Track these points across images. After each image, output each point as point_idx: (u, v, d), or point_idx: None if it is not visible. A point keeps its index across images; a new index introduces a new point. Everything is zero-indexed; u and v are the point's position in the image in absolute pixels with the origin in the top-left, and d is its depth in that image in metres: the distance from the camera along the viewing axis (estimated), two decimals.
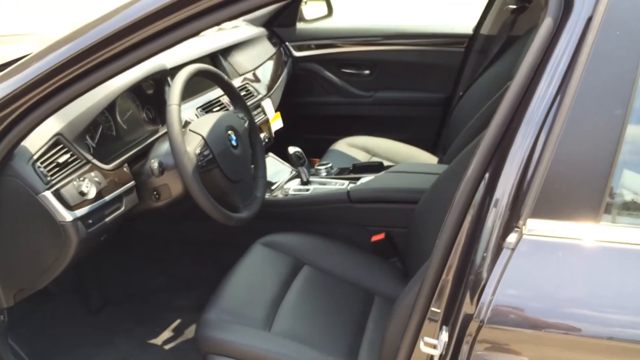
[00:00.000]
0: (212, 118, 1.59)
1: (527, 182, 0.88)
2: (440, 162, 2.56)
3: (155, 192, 1.56)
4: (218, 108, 1.98)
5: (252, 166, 1.76)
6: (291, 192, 2.03)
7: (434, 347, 0.97)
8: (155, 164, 1.48)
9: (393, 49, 2.79)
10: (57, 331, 1.99)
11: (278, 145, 2.43)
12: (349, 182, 2.04)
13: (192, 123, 1.56)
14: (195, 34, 1.07)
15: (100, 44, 1.08)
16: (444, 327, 0.98)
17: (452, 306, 0.97)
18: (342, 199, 1.92)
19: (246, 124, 1.73)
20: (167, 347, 1.91)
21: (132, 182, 1.54)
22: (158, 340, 1.94)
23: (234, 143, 1.60)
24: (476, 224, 0.93)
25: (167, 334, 1.97)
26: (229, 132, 1.60)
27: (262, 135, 2.20)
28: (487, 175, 0.94)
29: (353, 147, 2.60)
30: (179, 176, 1.53)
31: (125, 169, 1.54)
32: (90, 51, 1.09)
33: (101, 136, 1.54)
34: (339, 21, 3.01)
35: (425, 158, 2.58)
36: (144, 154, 1.62)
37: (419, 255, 1.73)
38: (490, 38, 2.55)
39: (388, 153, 2.56)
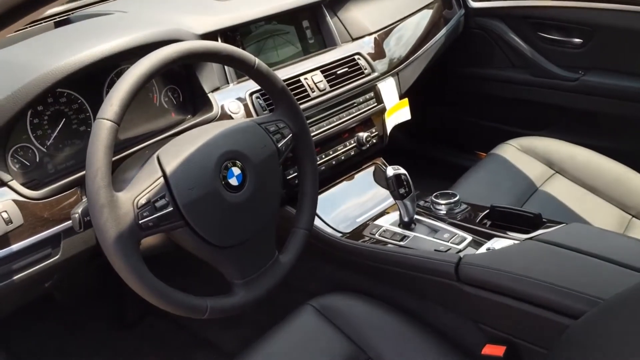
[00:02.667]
0: (204, 136, 0.95)
1: None
2: None
3: None
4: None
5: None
6: (378, 235, 1.32)
7: None
8: (78, 211, 0.90)
9: (626, 9, 1.74)
10: (89, 344, 1.64)
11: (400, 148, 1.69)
12: (473, 238, 1.25)
13: (165, 146, 0.94)
14: None
15: None
16: None
17: None
18: (445, 272, 1.17)
19: (285, 141, 1.05)
20: None
21: None
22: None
23: (233, 182, 0.94)
24: None
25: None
26: (228, 162, 0.95)
27: (365, 135, 1.48)
28: None
29: (529, 153, 1.72)
30: None
31: (71, 196, 1.00)
32: None
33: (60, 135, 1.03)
34: None
35: None
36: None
37: None
38: None
39: (584, 171, 1.63)
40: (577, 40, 1.88)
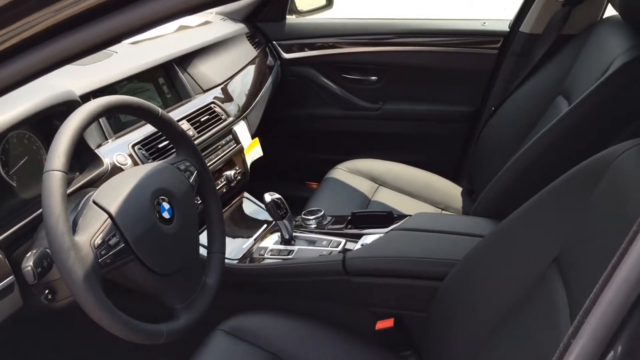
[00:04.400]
0: (129, 179, 1.05)
1: None
2: (468, 194, 2.02)
3: (47, 291, 1.03)
4: (207, 117, 1.45)
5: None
6: (269, 254, 1.49)
7: None
8: (29, 264, 0.93)
9: (407, 49, 2.21)
10: None
11: (258, 178, 1.88)
12: (346, 241, 1.50)
13: (98, 191, 1.03)
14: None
15: None
16: None
17: None
18: (335, 270, 1.39)
19: (193, 177, 1.19)
20: None
21: (10, 278, 1.01)
22: None
23: (165, 215, 1.06)
24: None
25: None
26: (159, 198, 1.06)
27: (232, 173, 1.66)
28: None
29: (355, 173, 2.05)
30: None
31: None
32: None
33: None
34: (341, 14, 2.43)
35: (446, 188, 2.03)
36: (35, 227, 1.09)
37: (446, 352, 1.22)
38: (534, 37, 1.97)
39: (400, 182, 2.02)
40: (373, 77, 2.30)
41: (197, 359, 1.27)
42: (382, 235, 1.47)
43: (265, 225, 1.64)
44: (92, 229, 0.94)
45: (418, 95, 2.26)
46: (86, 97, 1.35)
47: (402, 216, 1.58)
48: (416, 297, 1.35)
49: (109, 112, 1.04)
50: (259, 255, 1.50)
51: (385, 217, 1.57)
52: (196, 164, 1.22)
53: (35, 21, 0.61)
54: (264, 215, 1.69)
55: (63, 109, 1.18)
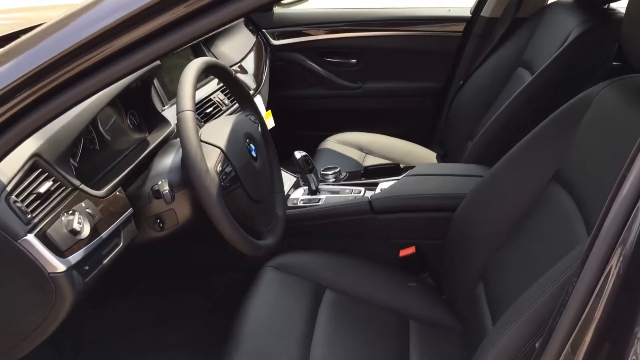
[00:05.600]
0: (224, 125, 1.28)
1: None
2: (441, 158, 2.35)
3: (158, 220, 1.24)
4: (211, 109, 1.66)
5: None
6: (300, 202, 1.74)
7: None
8: (166, 187, 1.15)
9: (381, 34, 2.52)
10: None
11: None
12: (365, 189, 1.77)
13: (203, 132, 1.25)
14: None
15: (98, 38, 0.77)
16: None
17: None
18: (363, 210, 1.66)
19: (259, 129, 1.42)
20: None
21: (130, 210, 1.21)
22: None
23: (254, 154, 1.29)
24: None
25: None
26: (247, 141, 1.29)
27: None
28: None
29: (345, 144, 2.33)
30: (189, 199, 1.21)
31: (119, 193, 1.20)
32: (89, 45, 0.78)
33: (83, 153, 1.21)
34: (320, 4, 2.71)
35: (424, 154, 2.35)
36: (136, 172, 1.29)
37: (458, 270, 1.51)
38: (493, 21, 2.33)
39: (385, 150, 2.31)
40: (353, 60, 2.59)
41: (254, 291, 1.48)
42: (397, 181, 1.75)
43: (288, 184, 1.88)
44: (212, 160, 1.16)
45: (394, 74, 2.57)
46: None
47: (407, 167, 1.87)
48: (433, 227, 1.63)
49: (207, 70, 1.26)
50: (293, 204, 1.74)
51: (394, 169, 1.86)
52: (257, 118, 1.45)
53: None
54: (288, 177, 1.92)
55: (146, 75, 1.38)
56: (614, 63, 1.81)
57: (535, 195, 1.33)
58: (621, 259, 0.71)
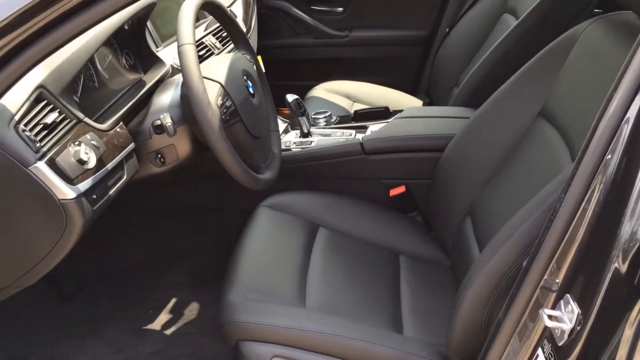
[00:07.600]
0: (223, 61, 1.30)
1: None
2: (429, 105, 2.39)
3: (159, 156, 1.27)
4: (204, 52, 1.67)
5: None
6: (293, 145, 1.78)
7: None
8: (168, 120, 1.18)
9: None
10: (27, 325, 1.67)
11: None
12: (355, 132, 1.81)
13: (202, 68, 1.27)
14: None
15: None
16: (568, 296, 0.81)
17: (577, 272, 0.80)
18: (355, 151, 1.70)
19: (255, 68, 1.45)
20: (167, 332, 1.64)
21: (132, 145, 1.24)
22: (155, 326, 1.67)
23: (251, 91, 1.32)
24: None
25: (163, 317, 1.70)
26: (245, 77, 1.32)
27: None
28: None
29: (333, 92, 2.36)
30: (189, 135, 1.25)
31: (120, 129, 1.23)
32: None
33: (83, 90, 1.22)
34: None
35: (411, 102, 2.39)
36: (135, 109, 1.31)
37: (446, 208, 1.57)
38: None
39: (372, 98, 2.35)
40: (339, 8, 2.60)
41: (250, 229, 1.52)
42: (387, 123, 1.80)
43: (281, 127, 1.91)
44: (213, 94, 1.19)
45: (380, 23, 2.59)
46: None
47: (396, 111, 1.92)
48: (422, 167, 1.68)
49: (204, 6, 1.27)
50: (285, 147, 1.78)
51: (383, 112, 1.90)
52: (251, 57, 1.47)
53: None
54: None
55: (140, 13, 1.38)
56: (596, 10, 1.85)
57: (522, 131, 1.39)
58: (604, 179, 0.77)
